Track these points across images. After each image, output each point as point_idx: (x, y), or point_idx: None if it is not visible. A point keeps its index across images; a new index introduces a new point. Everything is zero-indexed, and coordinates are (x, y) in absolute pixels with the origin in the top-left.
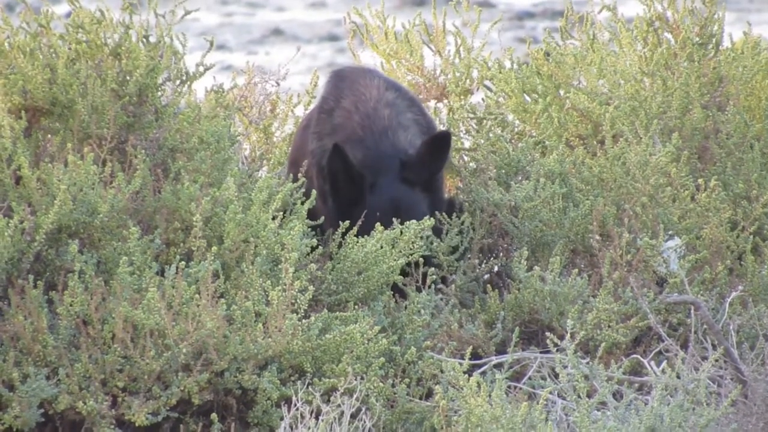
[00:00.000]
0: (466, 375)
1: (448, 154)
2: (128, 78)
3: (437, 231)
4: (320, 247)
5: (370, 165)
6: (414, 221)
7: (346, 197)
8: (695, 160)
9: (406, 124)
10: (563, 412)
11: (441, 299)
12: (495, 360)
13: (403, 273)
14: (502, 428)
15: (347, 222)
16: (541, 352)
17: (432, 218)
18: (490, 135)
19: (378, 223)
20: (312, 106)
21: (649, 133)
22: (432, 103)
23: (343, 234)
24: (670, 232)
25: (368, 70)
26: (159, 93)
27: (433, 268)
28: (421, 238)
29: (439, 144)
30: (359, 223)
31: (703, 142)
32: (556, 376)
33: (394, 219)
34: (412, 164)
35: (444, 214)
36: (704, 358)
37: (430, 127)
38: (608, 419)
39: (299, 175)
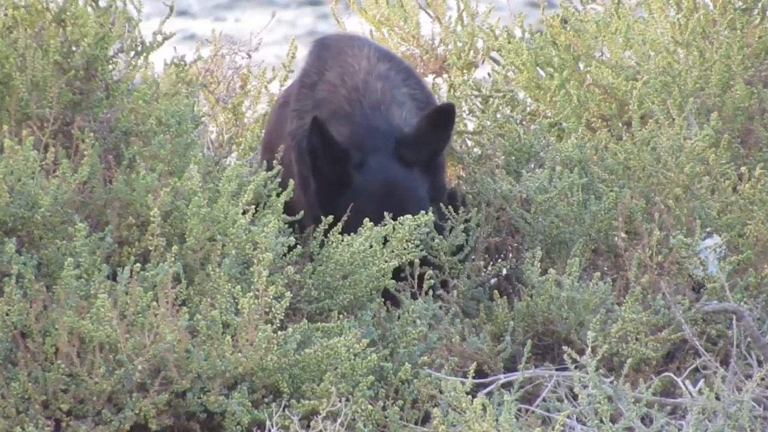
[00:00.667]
0: (470, 396)
1: (451, 130)
2: (74, 49)
3: (438, 227)
4: (299, 246)
5: (358, 142)
6: (409, 216)
7: (329, 179)
8: (737, 144)
9: (402, 99)
10: None
11: (440, 307)
12: (503, 378)
13: (396, 277)
14: None
15: (330, 217)
16: (556, 370)
17: (431, 210)
18: (498, 116)
19: (369, 209)
20: (290, 82)
21: (684, 114)
22: (430, 78)
23: (326, 231)
24: (708, 229)
25: (356, 38)
26: (110, 66)
27: (431, 271)
28: (419, 234)
29: (441, 118)
30: (347, 212)
31: (746, 123)
32: (575, 397)
33: (387, 203)
34: (409, 142)
35: (445, 205)
36: (748, 377)
37: (429, 103)
38: None
39: (274, 162)
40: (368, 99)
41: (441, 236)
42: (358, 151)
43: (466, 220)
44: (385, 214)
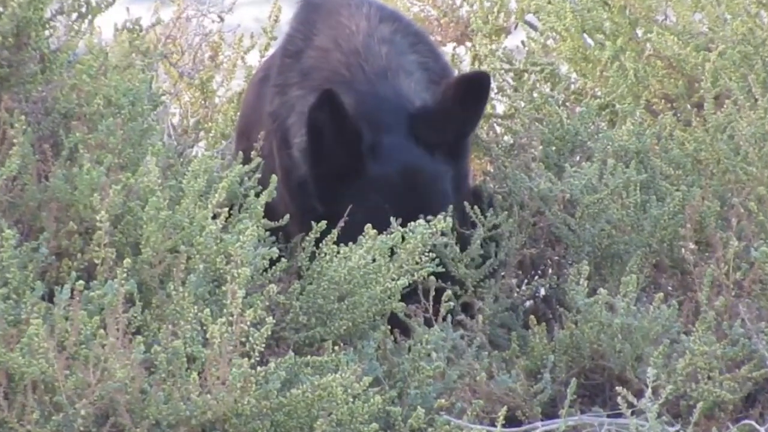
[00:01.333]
0: None
1: (484, 105)
2: (1, 10)
3: (459, 233)
4: (284, 259)
5: (366, 115)
6: (421, 221)
7: (335, 166)
8: None
9: (410, 68)
10: None
11: (462, 337)
12: (541, 427)
13: (406, 298)
14: None
15: (323, 223)
16: (608, 416)
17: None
18: (535, 95)
19: (385, 206)
20: (272, 51)
21: None
22: (449, 48)
23: (318, 240)
24: None
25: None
26: (46, 32)
27: (449, 291)
28: (434, 244)
29: (471, 90)
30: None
31: None
32: None
33: (408, 198)
34: (428, 118)
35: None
36: None
37: (444, 76)
38: None
39: (252, 152)
40: (371, 64)
41: (461, 245)
42: (368, 129)
43: (495, 226)
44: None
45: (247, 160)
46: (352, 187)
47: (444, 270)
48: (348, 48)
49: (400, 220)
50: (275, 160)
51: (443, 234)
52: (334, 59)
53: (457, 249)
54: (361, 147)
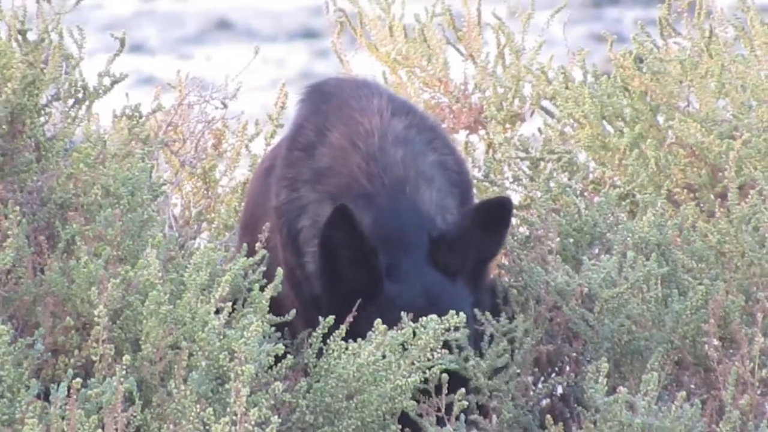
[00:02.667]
0: None
1: (506, 231)
2: None
3: (474, 338)
4: (290, 356)
5: (385, 236)
6: (434, 317)
7: (351, 286)
8: None
9: (430, 172)
10: None
11: None
12: None
13: (418, 397)
14: None
15: (330, 318)
16: None
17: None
18: (552, 184)
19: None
20: (278, 139)
21: None
22: (462, 135)
23: (326, 335)
24: None
25: (362, 83)
26: (42, 119)
27: (462, 390)
28: (446, 344)
29: (493, 216)
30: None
31: None
32: None
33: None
34: (448, 243)
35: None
36: None
37: (461, 174)
38: None
39: (257, 245)
40: (389, 175)
41: (477, 350)
42: (386, 248)
43: (507, 332)
44: None
45: (251, 253)
46: (368, 308)
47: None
48: (366, 152)
49: (411, 315)
50: (280, 253)
51: (461, 348)
52: (353, 164)
53: (479, 361)
54: (378, 266)
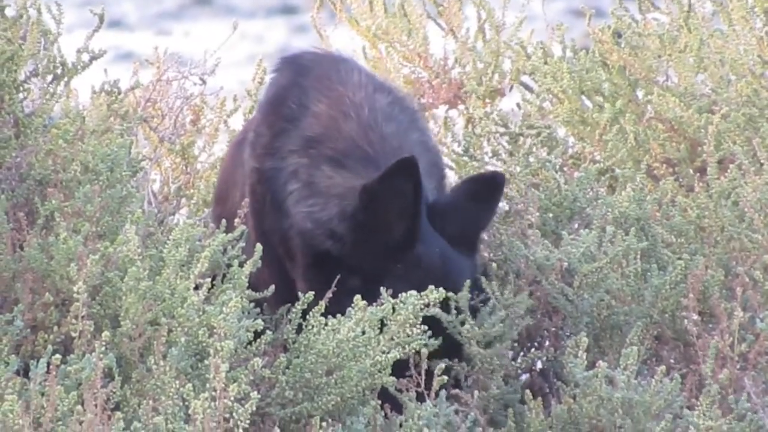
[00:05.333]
0: None
1: (497, 203)
2: None
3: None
4: (269, 332)
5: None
6: (413, 292)
7: (388, 243)
8: None
9: (415, 150)
10: None
11: (456, 412)
12: None
13: (398, 372)
14: None
15: (310, 294)
16: None
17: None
18: (531, 159)
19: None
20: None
21: None
22: (441, 110)
23: (306, 310)
24: None
25: (340, 59)
26: (20, 95)
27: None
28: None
29: (485, 189)
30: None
31: None
32: None
33: (444, 284)
34: (442, 212)
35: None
36: None
37: (438, 157)
38: None
39: (236, 220)
40: (387, 144)
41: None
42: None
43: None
44: None
45: (225, 227)
46: (396, 265)
47: (449, 344)
48: (359, 121)
49: (390, 291)
50: (254, 221)
51: (459, 311)
52: (350, 130)
53: (476, 328)
54: (419, 222)
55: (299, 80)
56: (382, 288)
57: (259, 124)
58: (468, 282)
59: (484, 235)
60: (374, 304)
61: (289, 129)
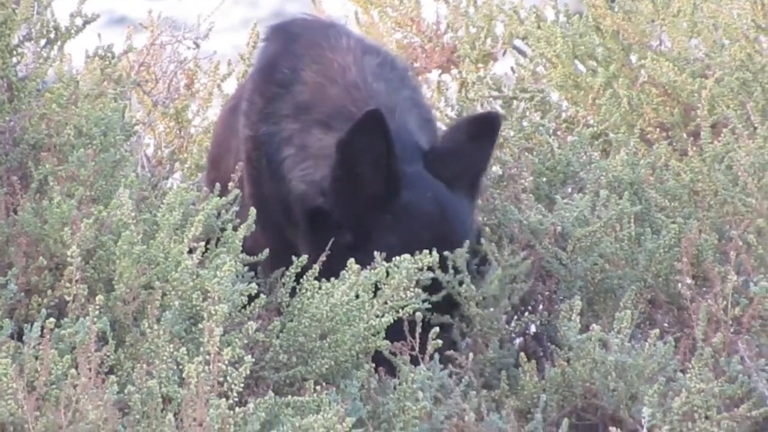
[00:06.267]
0: None
1: (494, 143)
2: None
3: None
4: (263, 295)
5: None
6: (406, 256)
7: (369, 192)
8: None
9: (406, 106)
10: None
11: (450, 375)
12: None
13: (394, 335)
14: None
15: (303, 258)
16: None
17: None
18: (524, 124)
19: (419, 237)
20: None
21: None
22: (434, 75)
23: (299, 274)
24: None
25: (329, 25)
26: (13, 59)
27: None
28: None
29: (482, 129)
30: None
31: None
32: None
33: (440, 231)
34: (439, 155)
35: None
36: None
37: (430, 114)
38: None
39: (230, 184)
40: (376, 101)
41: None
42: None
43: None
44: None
45: (220, 191)
46: (385, 215)
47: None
48: (345, 83)
49: (384, 254)
50: (251, 187)
51: (457, 270)
52: (334, 94)
53: (473, 287)
54: (399, 171)
55: (290, 47)
56: (375, 252)
57: (252, 92)
58: (470, 235)
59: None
60: (368, 261)
61: (282, 94)
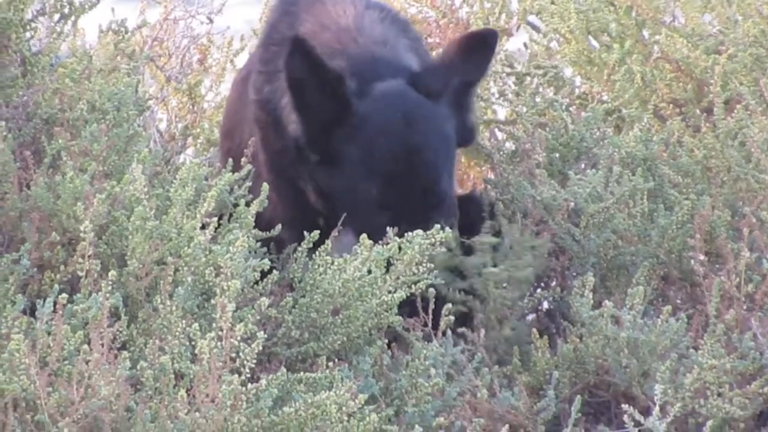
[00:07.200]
0: None
1: (491, 58)
2: None
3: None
4: (276, 271)
5: (359, 72)
6: (419, 232)
7: (322, 114)
8: None
9: (404, 51)
10: None
11: (462, 351)
12: None
13: (408, 310)
14: None
15: (315, 233)
16: None
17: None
18: (538, 99)
19: (379, 145)
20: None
21: None
22: None
23: (312, 249)
24: None
25: None
26: (27, 34)
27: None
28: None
29: (477, 45)
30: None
31: None
32: None
33: (404, 136)
34: (431, 71)
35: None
36: None
37: (428, 57)
38: None
39: (243, 159)
40: (366, 37)
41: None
42: (359, 80)
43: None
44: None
45: (234, 163)
46: (341, 131)
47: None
48: (337, 27)
49: (396, 229)
50: (263, 153)
51: (468, 249)
52: (325, 38)
53: (495, 270)
54: (344, 89)
55: (289, 8)
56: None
57: (257, 61)
58: (450, 140)
59: (485, 176)
60: (335, 175)
61: (279, 51)
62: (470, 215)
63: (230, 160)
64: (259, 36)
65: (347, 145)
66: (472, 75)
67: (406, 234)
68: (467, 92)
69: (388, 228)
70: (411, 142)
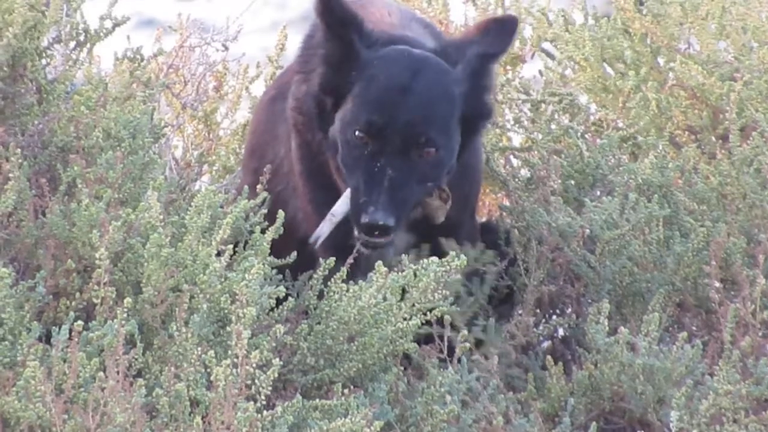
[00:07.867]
0: None
1: (511, 40)
2: None
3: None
4: (291, 298)
5: (387, 38)
6: (435, 259)
7: (334, 62)
8: None
9: (426, 37)
10: None
11: (477, 378)
12: None
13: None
14: None
15: (331, 260)
16: None
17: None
18: (553, 126)
19: (377, 92)
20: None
21: None
22: None
23: (327, 277)
24: None
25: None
26: (43, 62)
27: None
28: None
29: (497, 28)
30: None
31: None
32: None
33: (404, 87)
34: (450, 44)
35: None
36: None
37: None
38: None
39: (260, 184)
40: (398, 29)
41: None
42: (377, 44)
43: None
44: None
45: (256, 181)
46: (348, 74)
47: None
48: (375, 23)
49: (412, 256)
50: (298, 165)
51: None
52: None
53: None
54: (351, 34)
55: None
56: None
57: (296, 72)
58: (453, 100)
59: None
60: (344, 113)
61: (315, 54)
62: (486, 242)
63: (261, 178)
64: (299, 46)
65: (352, 86)
66: (491, 47)
67: (406, 236)
68: (485, 66)
69: (403, 256)
70: (407, 84)
